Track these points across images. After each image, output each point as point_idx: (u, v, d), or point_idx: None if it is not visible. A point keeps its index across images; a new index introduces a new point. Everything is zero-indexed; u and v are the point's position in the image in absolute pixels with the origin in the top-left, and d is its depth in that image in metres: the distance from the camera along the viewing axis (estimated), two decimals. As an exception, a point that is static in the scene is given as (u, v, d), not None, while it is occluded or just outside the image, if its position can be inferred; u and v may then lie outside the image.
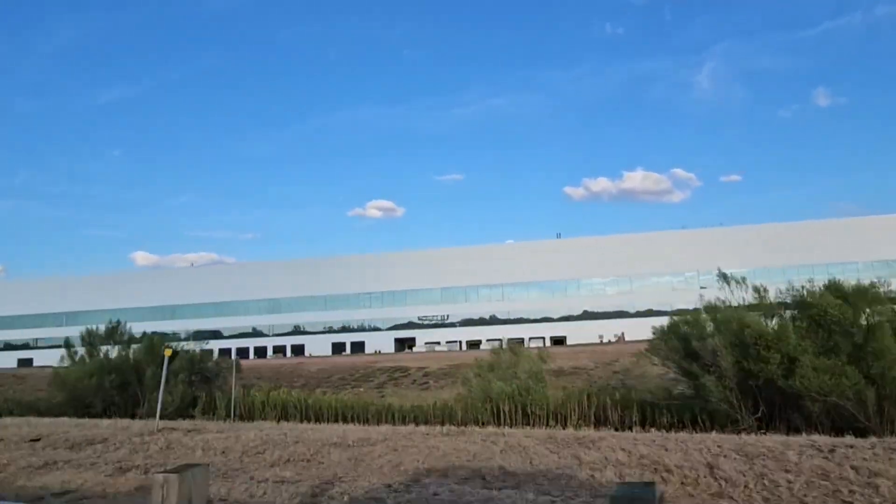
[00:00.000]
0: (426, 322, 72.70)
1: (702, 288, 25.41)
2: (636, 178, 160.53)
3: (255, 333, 76.78)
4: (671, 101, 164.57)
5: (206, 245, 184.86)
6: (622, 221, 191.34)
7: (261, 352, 73.79)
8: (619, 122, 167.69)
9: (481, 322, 71.14)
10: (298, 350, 71.59)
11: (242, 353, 66.94)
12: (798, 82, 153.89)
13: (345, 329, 74.79)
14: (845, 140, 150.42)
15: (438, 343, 66.97)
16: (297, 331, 76.05)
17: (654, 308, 59.65)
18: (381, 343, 68.56)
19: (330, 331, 75.06)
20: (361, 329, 74.33)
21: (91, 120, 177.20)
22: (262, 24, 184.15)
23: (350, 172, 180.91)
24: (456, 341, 67.99)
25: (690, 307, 16.04)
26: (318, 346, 70.50)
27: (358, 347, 70.60)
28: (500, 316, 71.11)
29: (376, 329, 73.58)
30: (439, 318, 72.45)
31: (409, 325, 73.09)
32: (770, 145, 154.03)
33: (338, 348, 71.04)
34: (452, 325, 71.97)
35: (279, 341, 74.87)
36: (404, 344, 70.18)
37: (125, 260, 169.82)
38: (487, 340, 61.55)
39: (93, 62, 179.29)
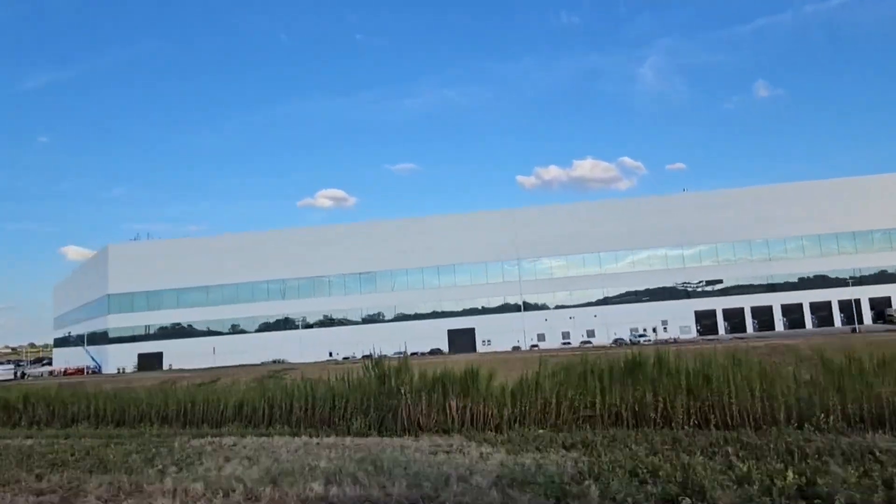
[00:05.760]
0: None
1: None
2: (586, 167, 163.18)
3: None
4: (619, 92, 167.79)
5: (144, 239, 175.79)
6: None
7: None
8: (568, 112, 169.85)
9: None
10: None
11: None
12: (738, 75, 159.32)
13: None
14: (786, 129, 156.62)
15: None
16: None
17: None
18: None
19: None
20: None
21: (15, 105, 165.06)
22: (206, 8, 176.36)
23: (300, 163, 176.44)
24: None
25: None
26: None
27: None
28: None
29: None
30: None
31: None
32: (713, 135, 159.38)
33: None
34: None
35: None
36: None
37: (55, 255, 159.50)
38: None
39: (17, 43, 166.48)
